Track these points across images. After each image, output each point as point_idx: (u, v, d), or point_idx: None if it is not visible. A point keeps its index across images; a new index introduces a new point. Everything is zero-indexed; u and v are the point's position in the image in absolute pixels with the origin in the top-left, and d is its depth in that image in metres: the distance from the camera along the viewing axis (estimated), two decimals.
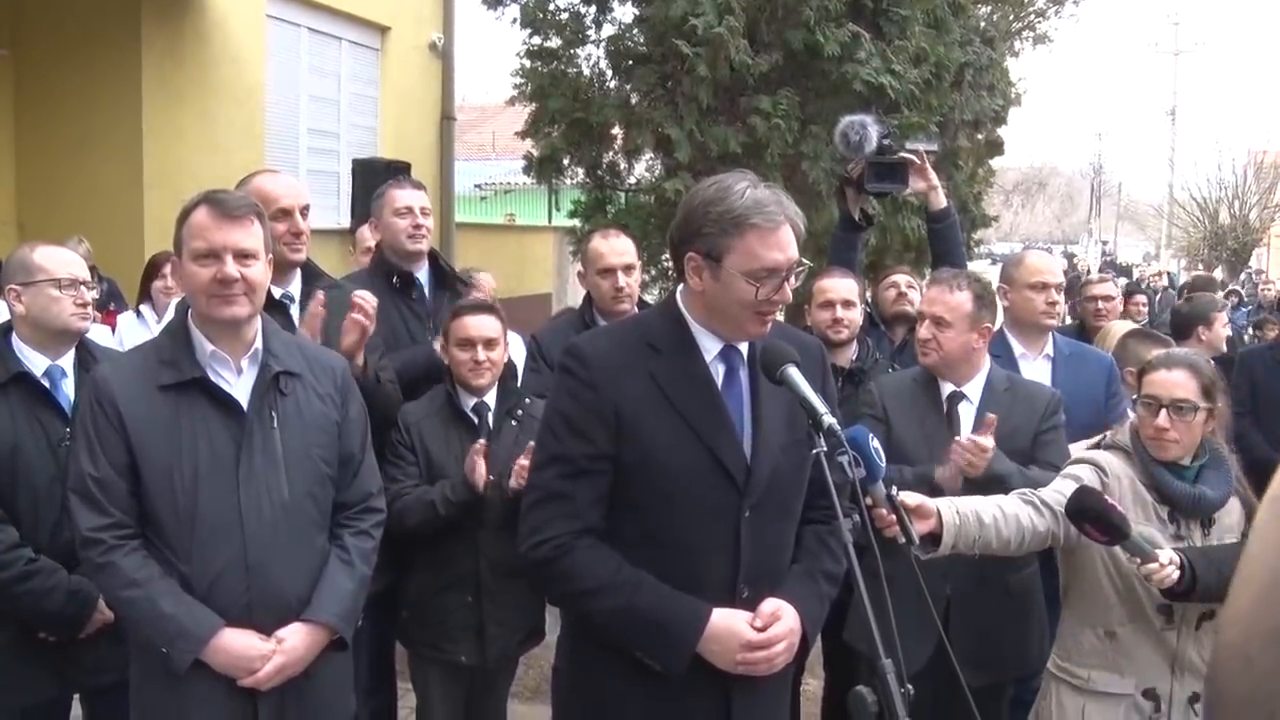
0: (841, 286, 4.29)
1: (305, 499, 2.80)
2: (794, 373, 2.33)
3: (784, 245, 2.39)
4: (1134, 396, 3.18)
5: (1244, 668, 0.75)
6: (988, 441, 3.30)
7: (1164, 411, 3.03)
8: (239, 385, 2.77)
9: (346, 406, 2.94)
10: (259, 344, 2.81)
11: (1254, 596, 0.76)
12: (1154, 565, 2.79)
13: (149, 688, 2.75)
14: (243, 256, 2.71)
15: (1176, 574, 2.79)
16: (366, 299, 3.56)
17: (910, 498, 2.66)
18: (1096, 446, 3.29)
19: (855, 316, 4.28)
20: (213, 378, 2.73)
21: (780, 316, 2.66)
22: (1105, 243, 48.51)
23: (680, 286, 2.57)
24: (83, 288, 3.34)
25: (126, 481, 2.66)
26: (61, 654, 3.24)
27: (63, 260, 3.36)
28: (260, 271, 2.77)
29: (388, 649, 4.43)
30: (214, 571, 2.67)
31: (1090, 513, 2.81)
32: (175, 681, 2.65)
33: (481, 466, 3.57)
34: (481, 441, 3.62)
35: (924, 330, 3.64)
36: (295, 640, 2.75)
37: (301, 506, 2.79)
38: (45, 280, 3.28)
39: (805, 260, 2.46)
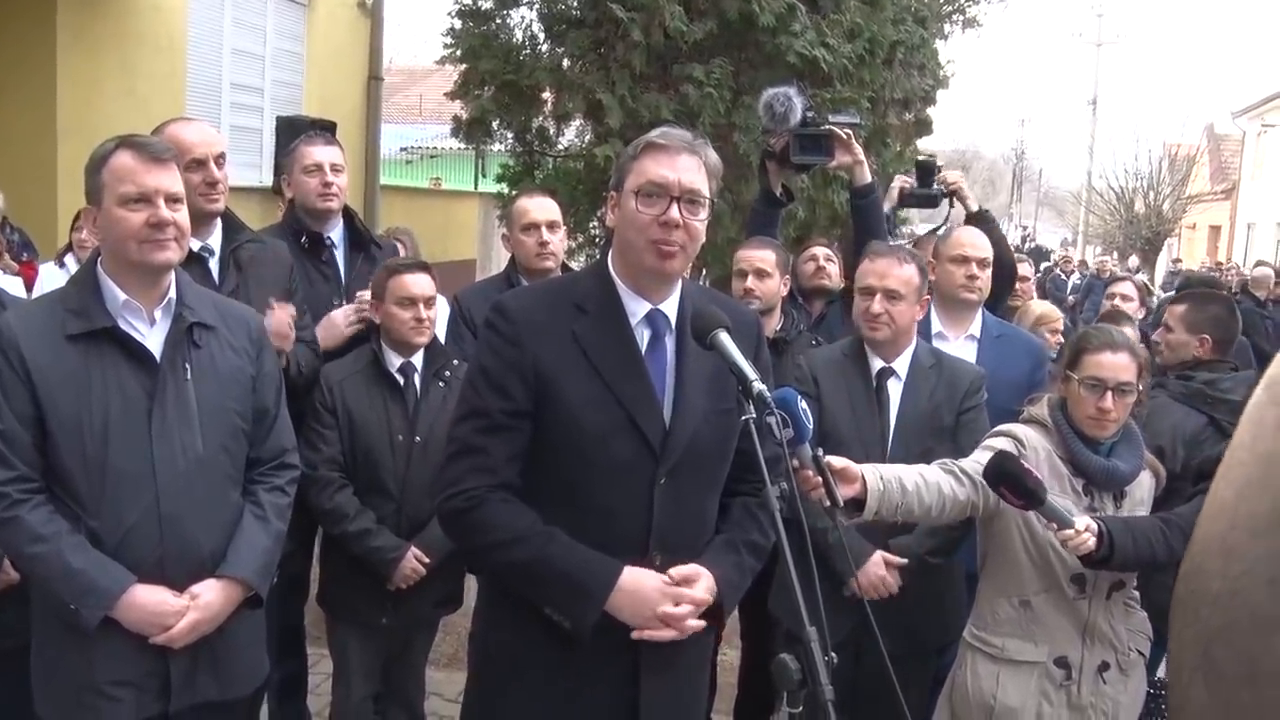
0: (755, 256, 4.26)
1: (220, 453, 2.75)
2: (724, 338, 2.31)
3: (677, 167, 2.40)
4: (1066, 374, 3.20)
5: (1223, 563, 0.69)
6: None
7: (1109, 394, 3.08)
8: (151, 336, 2.69)
9: (261, 360, 2.88)
10: (173, 294, 2.74)
11: (1242, 482, 0.70)
12: (1070, 532, 2.86)
13: (53, 646, 2.67)
14: (172, 200, 2.66)
15: (1094, 541, 2.86)
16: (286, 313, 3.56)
17: (836, 461, 2.66)
18: None
19: (771, 286, 4.22)
20: (124, 327, 2.66)
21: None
22: (1025, 227, 49.30)
23: (611, 249, 2.55)
24: None
25: (31, 434, 2.57)
26: None
27: None
28: (186, 217, 2.71)
29: (297, 614, 4.37)
30: (125, 526, 2.61)
31: (1008, 477, 2.86)
32: (82, 640, 2.58)
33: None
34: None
35: (876, 304, 3.57)
36: (210, 596, 2.69)
37: (216, 460, 2.74)
38: None
39: (710, 198, 2.45)
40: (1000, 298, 4.67)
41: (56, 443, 2.58)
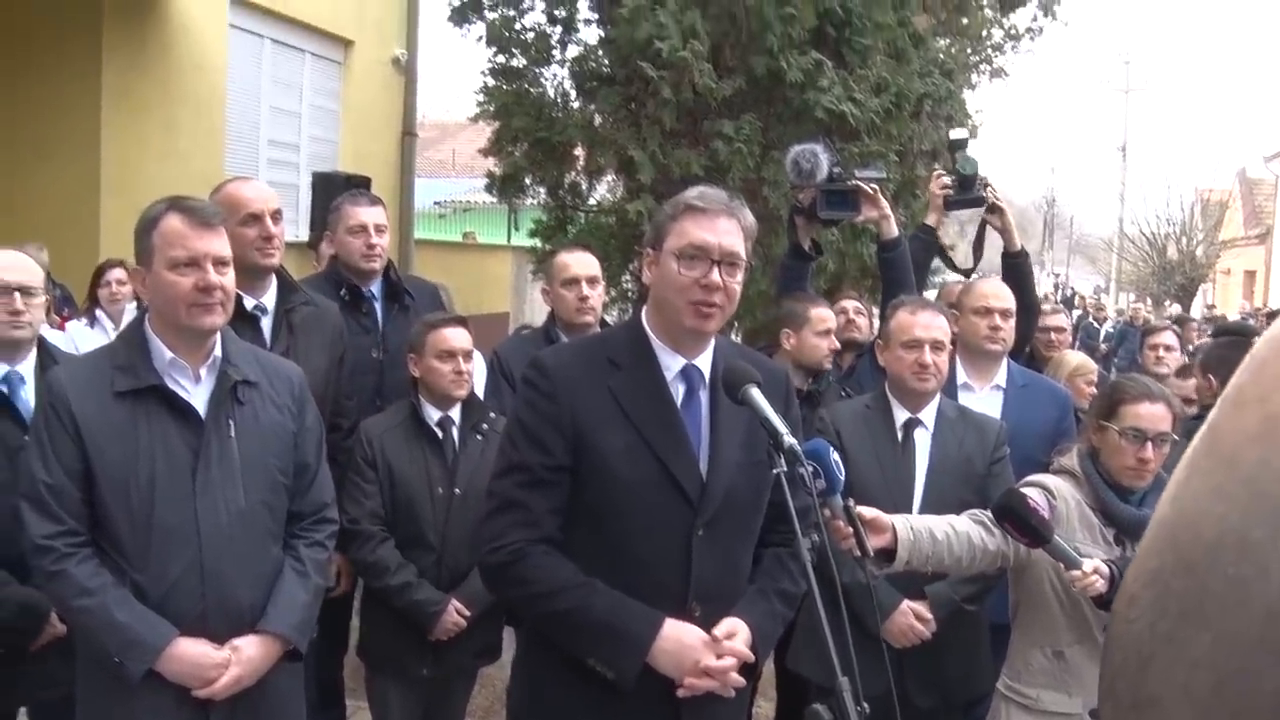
0: (829, 316, 4.47)
1: (261, 508, 2.80)
2: (755, 393, 2.36)
3: (718, 230, 2.46)
4: (1100, 424, 3.21)
5: (1126, 608, 0.79)
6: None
7: (1149, 444, 3.11)
8: (196, 393, 2.75)
9: (302, 416, 2.94)
10: (218, 352, 2.80)
11: (1154, 535, 0.80)
12: (1078, 573, 2.86)
13: (98, 698, 2.71)
14: (220, 264, 2.72)
15: (1103, 583, 2.86)
16: None
17: (866, 511, 2.69)
18: None
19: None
20: (170, 385, 2.72)
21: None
22: (1058, 275, 49.15)
23: (645, 305, 2.61)
24: (17, 295, 3.22)
25: (79, 488, 2.62)
26: (9, 667, 3.18)
27: (8, 265, 3.26)
28: (232, 280, 2.78)
29: (336, 665, 4.42)
30: (169, 580, 2.65)
31: (1011, 513, 2.87)
32: (126, 691, 2.62)
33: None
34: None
35: (928, 355, 3.60)
36: (251, 651, 2.73)
37: (257, 515, 2.79)
38: None
39: (748, 259, 2.51)
40: (1026, 337, 4.70)
41: (103, 497, 2.64)
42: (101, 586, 2.60)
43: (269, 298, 3.73)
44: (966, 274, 5.38)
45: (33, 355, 3.31)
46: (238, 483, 2.74)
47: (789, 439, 2.26)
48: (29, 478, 2.64)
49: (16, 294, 3.22)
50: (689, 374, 2.55)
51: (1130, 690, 0.76)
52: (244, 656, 2.71)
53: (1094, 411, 3.27)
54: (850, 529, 2.44)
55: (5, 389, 3.22)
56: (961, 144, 4.99)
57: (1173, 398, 3.28)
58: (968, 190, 4.78)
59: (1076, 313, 23.87)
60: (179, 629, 2.64)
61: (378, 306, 4.42)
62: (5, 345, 3.24)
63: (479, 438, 3.86)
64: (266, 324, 3.70)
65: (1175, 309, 29.62)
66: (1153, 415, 3.14)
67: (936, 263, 5.44)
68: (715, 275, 2.44)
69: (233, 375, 2.79)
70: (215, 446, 2.72)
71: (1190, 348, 9.00)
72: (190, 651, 2.65)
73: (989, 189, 4.80)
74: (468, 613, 3.73)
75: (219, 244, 2.74)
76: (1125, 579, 0.82)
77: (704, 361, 2.56)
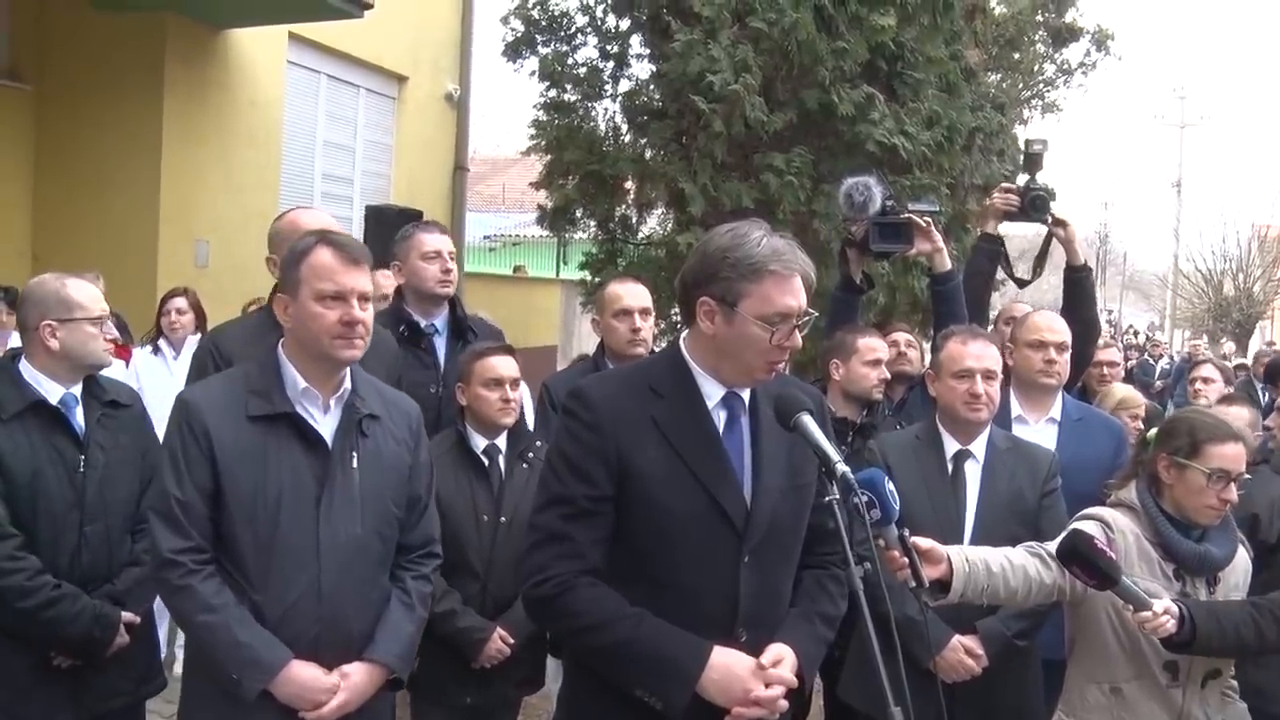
0: (879, 346, 4.45)
1: (375, 538, 2.85)
2: (808, 420, 2.36)
3: (797, 292, 2.44)
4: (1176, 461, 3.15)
5: None
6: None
7: (1231, 485, 3.06)
8: (325, 423, 2.81)
9: (418, 451, 2.99)
10: (348, 384, 2.86)
11: None
12: (1148, 614, 2.81)
13: (203, 712, 2.78)
14: (364, 299, 2.79)
15: (1173, 624, 2.81)
16: None
17: (922, 542, 2.66)
18: None
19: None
20: (302, 413, 2.78)
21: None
22: (1110, 311, 48.64)
23: (685, 333, 2.60)
24: (109, 323, 3.44)
25: (207, 506, 2.69)
26: (75, 679, 3.29)
27: (94, 297, 3.43)
28: (371, 315, 2.84)
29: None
30: (288, 602, 2.70)
31: (1079, 556, 2.83)
32: (234, 709, 2.67)
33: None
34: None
35: (979, 385, 3.57)
36: (358, 678, 2.78)
37: (372, 545, 2.84)
38: (83, 318, 3.36)
39: (812, 311, 2.50)
40: (1085, 356, 4.67)
41: (231, 517, 2.69)
42: (225, 604, 2.66)
43: None
44: (1024, 284, 5.32)
45: (81, 379, 3.42)
46: (357, 513, 2.79)
47: (842, 467, 2.25)
48: (160, 491, 2.71)
49: (108, 322, 3.41)
50: (730, 402, 2.54)
51: None
52: (352, 683, 2.76)
53: (1168, 449, 3.18)
54: (905, 559, 2.41)
55: (63, 409, 3.34)
56: (1038, 157, 4.93)
57: (1246, 433, 3.23)
58: (1040, 211, 4.76)
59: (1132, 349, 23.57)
60: (293, 651, 2.69)
61: (438, 342, 4.44)
62: (89, 370, 3.41)
63: (525, 466, 3.86)
64: None
65: (1230, 346, 29.15)
66: (1238, 456, 3.09)
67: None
68: (796, 338, 2.45)
69: (360, 408, 2.85)
70: (339, 476, 2.78)
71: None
72: (303, 675, 2.69)
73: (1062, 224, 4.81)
74: (512, 640, 3.71)
75: (364, 280, 2.80)
76: None
77: (744, 388, 2.55)
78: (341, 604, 2.76)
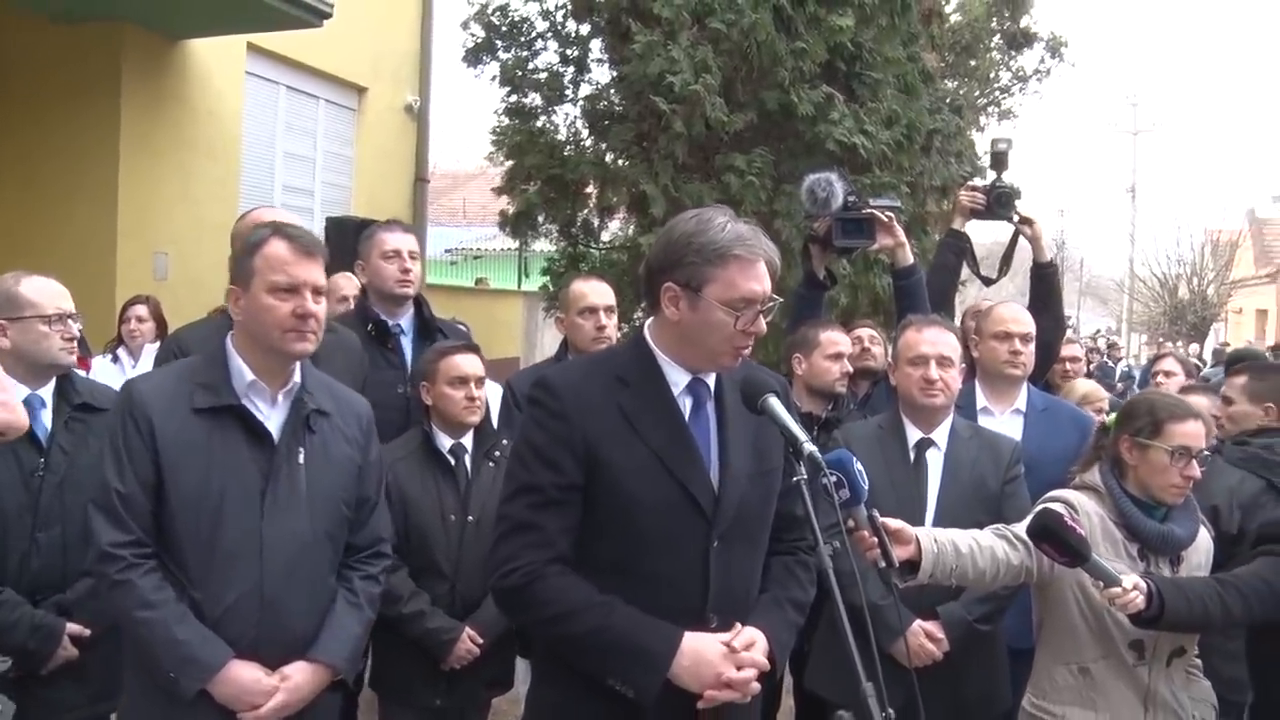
0: (841, 340, 4.48)
1: (323, 538, 2.80)
2: (775, 402, 2.36)
3: (761, 277, 2.45)
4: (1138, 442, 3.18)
5: None
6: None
7: (1194, 461, 3.10)
8: (272, 416, 2.76)
9: (368, 449, 2.94)
10: (297, 379, 2.81)
11: None
12: (1117, 590, 2.83)
13: (143, 711, 2.72)
14: (317, 293, 2.74)
15: (1142, 599, 2.84)
16: None
17: (891, 522, 2.67)
18: None
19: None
20: (248, 406, 2.73)
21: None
22: (1070, 316, 49.09)
23: (649, 321, 2.59)
24: (69, 321, 3.30)
25: (149, 500, 2.63)
26: (23, 690, 3.17)
27: (50, 294, 3.33)
28: (324, 309, 2.79)
29: (352, 697, 4.37)
30: (226, 602, 2.65)
31: (1049, 533, 2.85)
32: (173, 708, 2.62)
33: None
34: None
35: (933, 370, 3.60)
36: (299, 679, 2.73)
37: (319, 545, 2.79)
38: (34, 316, 3.26)
39: (776, 296, 2.50)
40: (1053, 349, 4.72)
41: (173, 511, 2.64)
42: (164, 600, 2.60)
43: None
44: (989, 282, 5.37)
45: (52, 380, 3.33)
46: (303, 511, 2.74)
47: (809, 446, 2.25)
48: (102, 484, 2.64)
49: (69, 320, 3.30)
50: (695, 388, 2.53)
51: None
52: (292, 684, 2.71)
53: (1130, 430, 3.21)
54: (875, 539, 2.41)
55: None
56: (1003, 156, 4.97)
57: (1205, 413, 3.27)
58: (1005, 208, 4.80)
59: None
60: (234, 650, 2.64)
61: (404, 342, 4.41)
62: (50, 371, 3.30)
63: (491, 465, 3.84)
64: None
65: (1195, 348, 29.53)
66: (1199, 433, 3.13)
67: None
68: (761, 323, 2.45)
69: (308, 403, 2.80)
70: (285, 472, 2.73)
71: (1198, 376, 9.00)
72: (242, 675, 2.64)
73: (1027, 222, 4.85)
74: (481, 641, 3.69)
75: (317, 273, 2.75)
76: None
77: (709, 375, 2.55)
78: (285, 603, 2.70)
